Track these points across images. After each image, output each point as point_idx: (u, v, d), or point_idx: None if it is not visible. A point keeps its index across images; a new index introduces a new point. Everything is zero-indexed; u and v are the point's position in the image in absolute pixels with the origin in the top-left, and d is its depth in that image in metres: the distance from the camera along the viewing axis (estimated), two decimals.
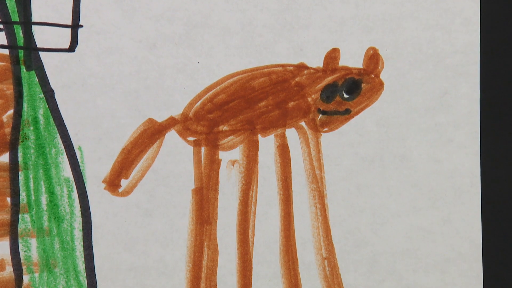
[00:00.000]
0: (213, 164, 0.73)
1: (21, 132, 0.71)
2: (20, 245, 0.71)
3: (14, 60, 0.71)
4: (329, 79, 0.72)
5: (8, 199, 0.71)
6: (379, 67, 0.72)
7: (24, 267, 0.72)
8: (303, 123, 0.73)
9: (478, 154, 0.73)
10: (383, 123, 0.72)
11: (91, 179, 0.72)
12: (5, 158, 0.71)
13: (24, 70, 0.71)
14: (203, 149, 0.72)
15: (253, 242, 0.73)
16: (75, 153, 0.71)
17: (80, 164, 0.71)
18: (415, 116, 0.72)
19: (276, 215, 0.73)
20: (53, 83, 0.71)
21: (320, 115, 0.73)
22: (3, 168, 0.71)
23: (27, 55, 0.70)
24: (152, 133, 0.72)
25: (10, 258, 0.72)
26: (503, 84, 0.73)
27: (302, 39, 0.71)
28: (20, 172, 0.71)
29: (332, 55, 0.72)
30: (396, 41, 0.72)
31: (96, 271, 0.72)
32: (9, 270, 0.72)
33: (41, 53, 0.70)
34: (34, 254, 0.72)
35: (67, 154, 0.71)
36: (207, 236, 0.73)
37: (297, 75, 0.72)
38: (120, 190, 0.72)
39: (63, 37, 0.71)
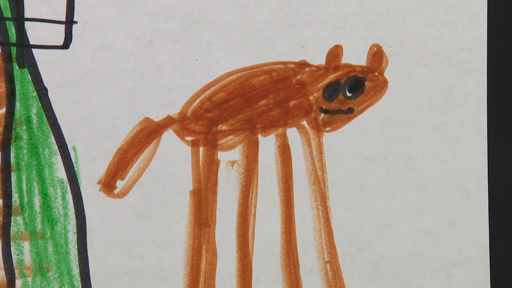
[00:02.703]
0: (212, 164, 0.72)
1: (13, 132, 0.71)
2: (12, 249, 0.71)
3: (6, 58, 0.71)
4: (331, 77, 0.72)
5: (0, 201, 0.71)
6: (383, 65, 0.72)
7: (16, 271, 0.72)
8: (304, 123, 0.73)
9: (486, 154, 0.73)
10: (387, 122, 0.72)
11: (86, 180, 0.72)
12: None
13: (17, 67, 0.71)
14: (201, 149, 0.72)
15: (253, 245, 0.73)
16: (69, 153, 0.71)
17: (74, 164, 0.71)
18: (421, 115, 0.72)
19: (276, 217, 0.73)
20: (47, 81, 0.71)
21: (322, 114, 0.73)
22: None
23: (20, 52, 0.70)
24: (148, 133, 0.72)
25: (2, 262, 0.72)
26: (511, 82, 0.72)
27: (303, 35, 0.71)
28: (12, 173, 0.71)
29: (335, 52, 0.71)
30: (400, 38, 0.71)
31: (91, 275, 0.72)
32: (1, 274, 0.72)
33: (34, 50, 0.71)
34: (27, 258, 0.72)
35: (61, 155, 0.71)
36: (205, 239, 0.72)
37: (299, 73, 0.72)
38: (115, 191, 0.72)
39: (56, 34, 0.71)
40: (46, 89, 0.71)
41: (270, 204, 0.73)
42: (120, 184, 0.72)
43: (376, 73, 0.72)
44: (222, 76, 0.71)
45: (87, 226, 0.72)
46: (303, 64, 0.72)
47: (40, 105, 0.71)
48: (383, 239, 0.73)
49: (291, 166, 0.73)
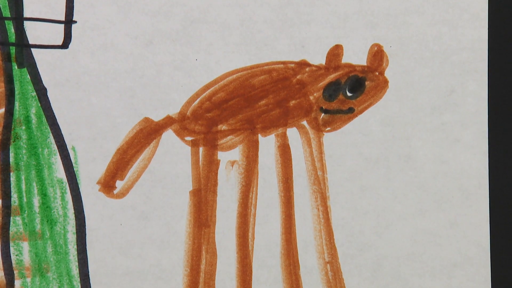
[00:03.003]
0: (212, 164, 0.72)
1: (12, 132, 0.71)
2: (11, 249, 0.71)
3: (5, 57, 0.70)
4: (331, 77, 0.72)
5: None
6: (384, 64, 0.72)
7: (15, 272, 0.72)
8: (304, 123, 0.72)
9: (486, 155, 0.72)
10: (387, 122, 0.72)
11: (85, 180, 0.71)
12: None
13: (16, 67, 0.71)
14: (201, 149, 0.72)
15: (253, 245, 0.73)
16: (68, 153, 0.71)
17: (73, 164, 0.71)
18: (421, 115, 0.72)
19: (276, 218, 0.72)
20: (46, 81, 0.71)
21: (323, 114, 0.72)
22: None
23: (19, 52, 0.70)
24: (148, 133, 0.71)
25: (1, 262, 0.71)
26: None
27: (303, 35, 0.71)
28: (11, 173, 0.71)
29: (335, 52, 0.71)
30: (401, 38, 0.71)
31: (90, 276, 0.72)
32: (0, 275, 0.71)
33: (33, 50, 0.70)
34: (26, 258, 0.71)
35: (60, 155, 0.71)
36: (205, 239, 0.72)
37: (299, 73, 0.72)
38: (115, 191, 0.72)
39: (56, 33, 0.70)
40: (45, 89, 0.70)
41: (270, 204, 0.73)
42: (119, 184, 0.72)
43: (377, 73, 0.72)
44: (222, 76, 0.71)
45: (86, 227, 0.71)
46: (303, 64, 0.71)
47: (40, 105, 0.71)
48: (383, 239, 0.73)
49: (291, 166, 0.73)
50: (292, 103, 0.72)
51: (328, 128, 0.72)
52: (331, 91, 0.72)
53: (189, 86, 0.71)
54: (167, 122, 0.71)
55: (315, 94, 0.72)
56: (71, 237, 0.71)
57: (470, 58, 0.71)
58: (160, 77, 0.71)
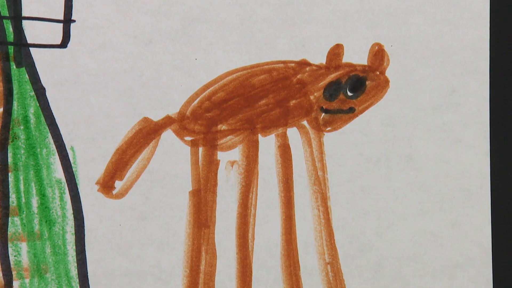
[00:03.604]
0: (211, 165, 0.72)
1: (11, 132, 0.71)
2: (10, 250, 0.71)
3: (4, 57, 0.70)
4: (332, 76, 0.72)
5: None
6: (385, 64, 0.71)
7: (14, 273, 0.71)
8: (305, 122, 0.72)
9: (488, 155, 0.72)
10: (388, 122, 0.72)
11: (84, 181, 0.71)
12: None
13: (14, 67, 0.70)
14: (201, 149, 0.72)
15: (253, 246, 0.73)
16: (67, 153, 0.71)
17: (72, 165, 0.71)
18: (422, 115, 0.72)
19: (277, 218, 0.72)
20: (44, 80, 0.70)
21: (323, 114, 0.72)
22: None
23: (17, 51, 0.70)
24: (147, 133, 0.71)
25: None
26: None
27: (304, 34, 0.71)
28: (10, 173, 0.71)
29: (336, 51, 0.71)
30: (402, 37, 0.71)
31: (89, 277, 0.72)
32: None
33: (32, 49, 0.70)
34: (25, 259, 0.71)
35: (59, 155, 0.71)
36: (205, 240, 0.72)
37: (299, 72, 0.71)
38: (114, 192, 0.72)
39: (54, 33, 0.70)
40: (44, 89, 0.70)
41: (270, 204, 0.72)
42: (118, 184, 0.71)
43: (378, 73, 0.72)
44: (222, 76, 0.71)
45: (85, 227, 0.71)
46: (303, 63, 0.71)
47: (38, 104, 0.70)
48: (384, 240, 0.73)
49: (292, 166, 0.72)
50: (292, 102, 0.72)
51: (329, 128, 0.72)
52: (332, 90, 0.72)
53: (188, 86, 0.71)
54: (167, 122, 0.71)
55: (315, 94, 0.72)
56: (70, 237, 0.71)
57: (471, 57, 0.71)
58: (160, 77, 0.71)
